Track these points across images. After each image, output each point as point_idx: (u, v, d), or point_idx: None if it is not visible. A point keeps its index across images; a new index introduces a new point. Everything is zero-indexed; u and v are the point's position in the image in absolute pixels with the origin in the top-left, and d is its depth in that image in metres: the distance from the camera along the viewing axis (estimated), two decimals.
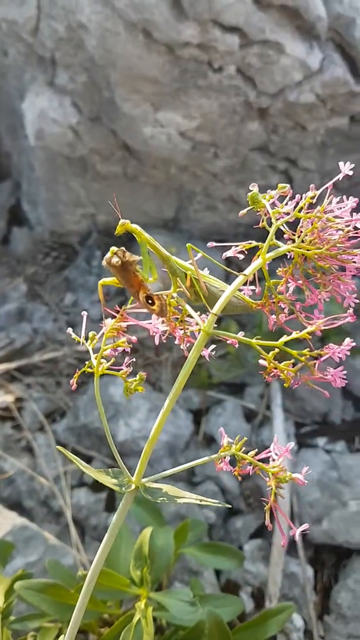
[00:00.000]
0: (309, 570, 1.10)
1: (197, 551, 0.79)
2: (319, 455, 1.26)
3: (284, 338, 0.43)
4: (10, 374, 1.44)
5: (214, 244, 0.48)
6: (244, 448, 0.45)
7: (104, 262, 0.45)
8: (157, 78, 1.36)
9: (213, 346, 0.48)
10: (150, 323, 0.48)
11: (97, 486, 1.23)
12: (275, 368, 0.43)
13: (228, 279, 0.57)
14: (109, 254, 0.44)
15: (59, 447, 0.47)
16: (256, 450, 0.43)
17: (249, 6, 1.26)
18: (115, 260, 0.44)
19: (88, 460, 1.28)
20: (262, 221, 0.44)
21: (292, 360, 0.43)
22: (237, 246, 0.47)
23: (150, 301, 0.45)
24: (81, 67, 1.44)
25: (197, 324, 0.46)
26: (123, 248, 0.45)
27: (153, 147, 1.48)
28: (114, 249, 0.44)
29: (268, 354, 0.43)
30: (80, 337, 0.47)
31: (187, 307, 0.46)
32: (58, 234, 1.79)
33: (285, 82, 1.35)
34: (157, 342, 0.48)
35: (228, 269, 0.50)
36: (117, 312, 0.48)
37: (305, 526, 0.40)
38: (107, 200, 1.69)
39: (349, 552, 1.14)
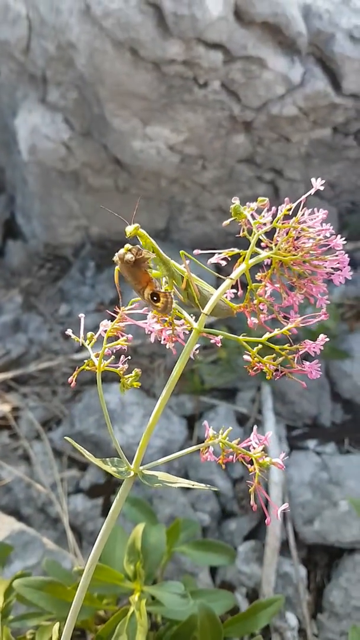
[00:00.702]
0: (301, 570, 1.13)
1: (189, 549, 0.82)
2: (310, 457, 1.28)
3: (268, 335, 0.47)
4: (7, 383, 1.46)
5: (200, 251, 0.52)
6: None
7: (115, 258, 0.47)
8: (145, 94, 1.40)
9: (198, 346, 0.52)
10: (147, 323, 0.51)
11: (93, 492, 1.25)
12: (259, 362, 0.47)
13: (218, 283, 0.61)
14: (122, 251, 0.47)
15: (67, 438, 0.50)
16: (239, 439, 0.47)
17: (231, 24, 1.31)
18: (129, 256, 0.46)
19: (84, 467, 1.30)
20: (243, 231, 0.49)
21: (274, 355, 0.47)
22: (220, 253, 0.51)
23: (155, 298, 0.48)
24: (72, 84, 1.48)
25: (187, 323, 0.50)
26: (138, 246, 0.48)
27: (143, 161, 1.52)
28: (128, 246, 0.47)
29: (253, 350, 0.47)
30: (81, 344, 0.51)
31: (182, 310, 0.50)
32: (52, 246, 1.82)
33: (268, 96, 1.39)
34: (152, 340, 0.51)
35: (217, 274, 0.54)
36: (116, 313, 0.51)
37: (285, 505, 0.43)
38: (100, 213, 1.73)
39: (341, 552, 1.16)
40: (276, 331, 0.46)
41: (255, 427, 0.48)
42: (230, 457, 0.47)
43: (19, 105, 1.62)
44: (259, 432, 1.41)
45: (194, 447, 0.47)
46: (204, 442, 1.28)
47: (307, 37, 1.36)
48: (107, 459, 0.49)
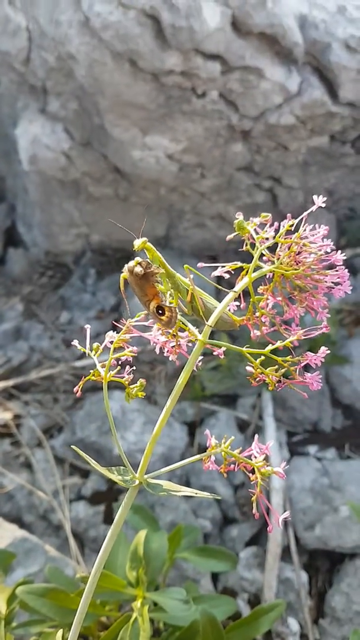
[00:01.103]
0: (303, 576, 1.13)
1: (191, 555, 0.82)
2: (311, 463, 1.29)
3: (270, 347, 0.48)
4: (8, 391, 1.47)
5: (204, 264, 0.53)
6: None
7: (125, 269, 0.48)
8: (144, 104, 1.41)
9: (201, 357, 0.53)
10: (152, 335, 0.52)
11: (95, 499, 1.25)
12: (262, 373, 0.48)
13: (219, 294, 0.62)
14: (132, 263, 0.48)
15: (73, 447, 0.51)
16: (240, 448, 0.48)
17: (228, 34, 1.33)
18: (138, 269, 0.48)
19: (85, 474, 1.31)
20: (246, 245, 0.50)
21: (276, 366, 0.49)
22: (224, 266, 0.52)
23: (160, 311, 0.49)
24: (72, 94, 1.50)
25: (191, 335, 0.51)
26: (147, 260, 0.49)
27: (142, 170, 1.53)
28: (138, 259, 0.48)
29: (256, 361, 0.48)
30: (82, 352, 0.52)
31: (187, 322, 0.51)
32: (53, 254, 1.83)
33: (266, 106, 1.41)
34: (157, 351, 0.53)
35: (219, 287, 0.55)
36: (121, 324, 0.52)
37: (287, 514, 0.44)
38: (100, 221, 1.74)
39: (342, 557, 1.16)
40: (278, 343, 0.48)
41: (256, 436, 0.49)
42: (232, 465, 0.48)
43: (19, 116, 1.64)
44: (259, 438, 1.42)
45: (197, 457, 0.48)
46: (205, 448, 1.29)
47: (304, 47, 1.38)
48: (113, 467, 0.50)
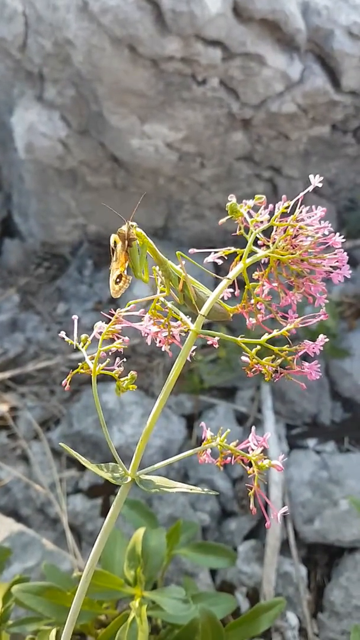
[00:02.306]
0: (302, 570, 1.12)
1: (190, 551, 0.81)
2: (310, 456, 1.28)
3: (266, 336, 0.46)
4: (5, 383, 1.45)
5: (196, 250, 0.51)
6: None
7: (119, 230, 0.48)
8: (143, 91, 1.39)
9: (196, 347, 0.51)
10: (143, 325, 0.50)
11: (92, 492, 1.24)
12: (258, 363, 0.46)
13: (217, 284, 0.60)
14: (125, 227, 0.47)
15: (62, 444, 0.49)
16: (237, 440, 0.46)
17: (230, 20, 1.30)
18: (123, 228, 0.47)
19: (83, 466, 1.29)
20: (240, 229, 0.48)
21: (273, 356, 0.47)
22: (217, 252, 0.50)
23: (118, 280, 0.48)
24: (69, 81, 1.47)
25: (184, 324, 0.49)
26: (135, 224, 0.48)
27: (141, 159, 1.51)
28: (132, 224, 0.47)
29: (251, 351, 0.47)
30: (73, 343, 0.50)
31: (179, 311, 0.49)
32: (49, 244, 1.81)
33: (267, 93, 1.38)
34: (149, 342, 0.51)
35: (214, 274, 0.53)
36: (111, 315, 0.50)
37: (285, 509, 0.43)
38: (97, 211, 1.72)
39: (341, 551, 1.16)
40: (275, 332, 0.46)
41: (253, 427, 0.47)
42: (229, 459, 0.46)
43: (15, 103, 1.61)
44: (258, 431, 1.40)
45: (191, 451, 0.47)
46: (203, 441, 1.27)
47: (306, 34, 1.35)
48: (103, 464, 0.48)
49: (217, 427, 1.40)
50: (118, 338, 0.48)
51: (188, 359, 0.50)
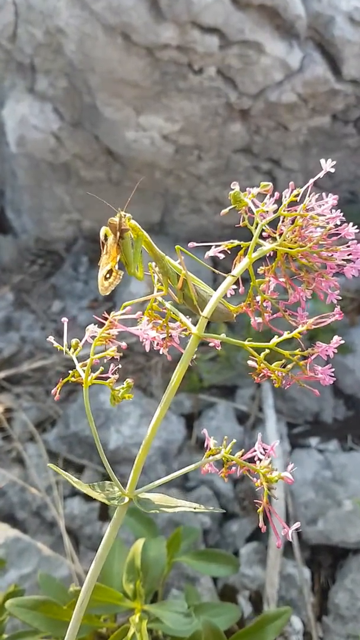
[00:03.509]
0: (305, 572, 1.10)
1: (191, 559, 0.78)
2: (312, 455, 1.25)
3: (276, 339, 0.42)
4: None
5: (195, 244, 0.47)
6: (236, 452, 0.44)
7: (110, 220, 0.44)
8: (138, 81, 1.35)
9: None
10: (140, 329, 0.47)
11: (90, 495, 1.21)
12: (266, 369, 0.43)
13: (216, 281, 0.56)
14: (116, 217, 0.43)
15: (50, 465, 0.45)
16: (243, 450, 0.43)
17: (227, 6, 1.26)
18: (114, 220, 0.43)
19: (80, 468, 1.26)
20: (244, 220, 0.44)
21: (283, 361, 0.43)
22: (219, 245, 0.46)
23: (107, 275, 0.44)
24: (61, 72, 1.43)
25: (183, 325, 0.45)
26: (130, 216, 0.44)
27: (136, 151, 1.47)
28: (125, 214, 0.43)
29: (259, 354, 0.43)
30: (65, 346, 0.46)
31: (178, 312, 0.45)
32: (43, 241, 1.77)
33: (266, 82, 1.35)
34: (147, 348, 0.47)
35: (216, 271, 0.49)
36: (105, 319, 0.46)
37: (297, 525, 0.39)
38: (92, 206, 1.68)
39: (345, 552, 1.13)
40: (286, 334, 0.42)
41: (259, 435, 0.43)
42: (233, 468, 0.42)
43: (6, 95, 1.56)
44: (259, 430, 1.36)
45: (193, 465, 0.43)
46: (203, 442, 1.23)
47: (306, 20, 1.31)
48: (97, 483, 0.44)
49: (217, 427, 1.37)
50: (113, 343, 0.44)
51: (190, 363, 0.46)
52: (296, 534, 1.16)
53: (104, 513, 1.18)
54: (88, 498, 1.21)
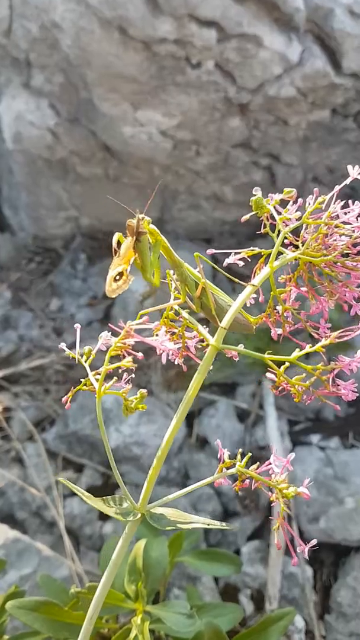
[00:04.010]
0: (307, 570, 1.09)
1: (193, 559, 0.77)
2: (314, 453, 1.24)
3: (298, 352, 0.41)
4: None
5: (215, 250, 0.46)
6: (241, 459, 0.43)
7: (128, 222, 0.42)
8: (135, 76, 1.33)
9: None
10: (157, 340, 0.45)
11: (90, 494, 1.21)
12: (286, 382, 0.41)
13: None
14: (135, 220, 0.41)
15: (60, 479, 0.44)
16: (257, 464, 0.42)
17: None
18: (133, 222, 0.41)
19: (80, 468, 1.25)
20: (264, 227, 0.43)
21: (304, 375, 0.42)
22: (238, 252, 0.45)
23: (117, 277, 0.42)
24: (57, 67, 1.41)
25: (200, 334, 0.44)
26: (149, 219, 0.42)
27: (134, 147, 1.45)
28: (143, 216, 0.41)
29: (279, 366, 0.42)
30: (71, 349, 0.45)
31: (195, 322, 0.44)
32: (41, 238, 1.76)
33: (265, 77, 1.33)
34: (164, 361, 0.46)
35: (235, 279, 0.47)
36: (119, 327, 0.44)
37: (313, 542, 0.38)
38: (90, 203, 1.67)
39: (348, 550, 1.13)
40: (308, 347, 0.40)
41: (274, 448, 0.42)
42: (247, 482, 0.41)
43: (1, 91, 1.55)
44: (260, 428, 1.34)
45: (208, 479, 0.42)
46: (204, 439, 1.21)
47: (305, 13, 1.29)
48: (110, 497, 0.43)
49: (218, 425, 1.36)
50: (128, 354, 0.42)
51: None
52: (298, 532, 1.15)
53: (104, 513, 1.17)
54: None
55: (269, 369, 0.41)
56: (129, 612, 0.71)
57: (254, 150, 1.52)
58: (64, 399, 0.43)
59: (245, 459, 0.41)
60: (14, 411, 1.34)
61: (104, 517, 1.17)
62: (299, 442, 1.29)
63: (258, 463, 0.41)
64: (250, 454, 0.42)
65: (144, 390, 0.42)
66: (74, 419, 1.28)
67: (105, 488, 1.21)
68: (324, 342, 0.40)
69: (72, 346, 0.46)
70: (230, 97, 1.37)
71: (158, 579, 0.65)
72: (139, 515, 0.42)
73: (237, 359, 0.45)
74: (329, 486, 1.17)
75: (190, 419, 1.33)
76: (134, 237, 0.40)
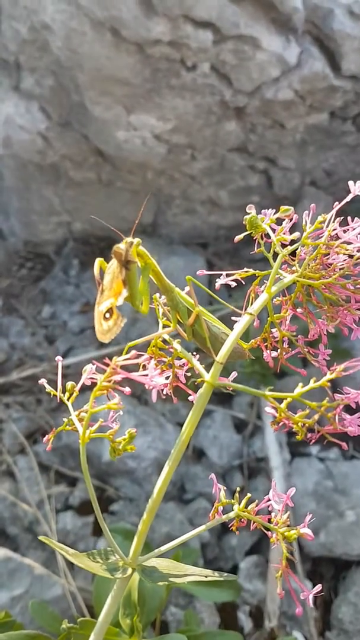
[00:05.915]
0: (308, 585, 1.07)
1: (191, 584, 0.74)
2: (313, 464, 1.22)
3: (300, 389, 0.38)
4: None
5: (205, 272, 0.43)
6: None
7: (115, 248, 0.37)
8: (128, 79, 1.30)
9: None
10: (147, 375, 0.41)
11: (83, 509, 1.17)
12: (288, 419, 0.39)
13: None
14: (123, 244, 0.36)
15: (42, 538, 0.41)
16: (256, 502, 0.39)
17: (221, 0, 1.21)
18: (121, 247, 0.36)
19: (72, 481, 1.22)
20: (260, 246, 0.40)
21: (307, 411, 0.39)
22: (231, 274, 0.42)
23: (107, 315, 0.37)
24: (47, 70, 1.38)
25: (191, 366, 0.41)
26: (139, 241, 0.38)
27: (127, 152, 1.42)
28: (133, 240, 0.37)
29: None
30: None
31: (189, 355, 0.40)
32: (32, 244, 1.73)
33: (262, 79, 1.30)
34: (154, 399, 0.42)
35: (231, 306, 0.44)
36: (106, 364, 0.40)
37: (318, 587, 0.35)
38: (82, 208, 1.64)
39: (348, 564, 1.10)
40: (312, 382, 0.38)
41: (274, 482, 0.39)
42: (244, 522, 0.38)
43: None
44: (258, 438, 1.30)
45: (205, 526, 0.38)
46: (200, 451, 1.17)
47: (304, 14, 1.27)
48: (95, 551, 0.40)
49: (215, 436, 1.32)
50: (117, 389, 0.38)
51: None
52: (297, 547, 1.12)
53: (98, 528, 1.14)
54: (81, 513, 1.17)
55: (269, 404, 0.38)
56: None
57: (250, 154, 1.49)
58: (44, 439, 0.39)
59: (245, 499, 0.38)
60: (5, 423, 1.30)
61: (97, 532, 1.13)
62: (298, 453, 1.27)
63: (257, 501, 0.38)
64: (249, 495, 0.39)
65: (133, 430, 0.39)
66: (67, 432, 1.24)
67: (99, 503, 1.18)
68: (329, 376, 0.37)
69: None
70: (227, 100, 1.34)
71: (154, 610, 0.62)
72: (129, 570, 0.38)
73: (231, 366, 0.42)
74: (328, 499, 1.14)
75: None
76: (122, 267, 0.36)
